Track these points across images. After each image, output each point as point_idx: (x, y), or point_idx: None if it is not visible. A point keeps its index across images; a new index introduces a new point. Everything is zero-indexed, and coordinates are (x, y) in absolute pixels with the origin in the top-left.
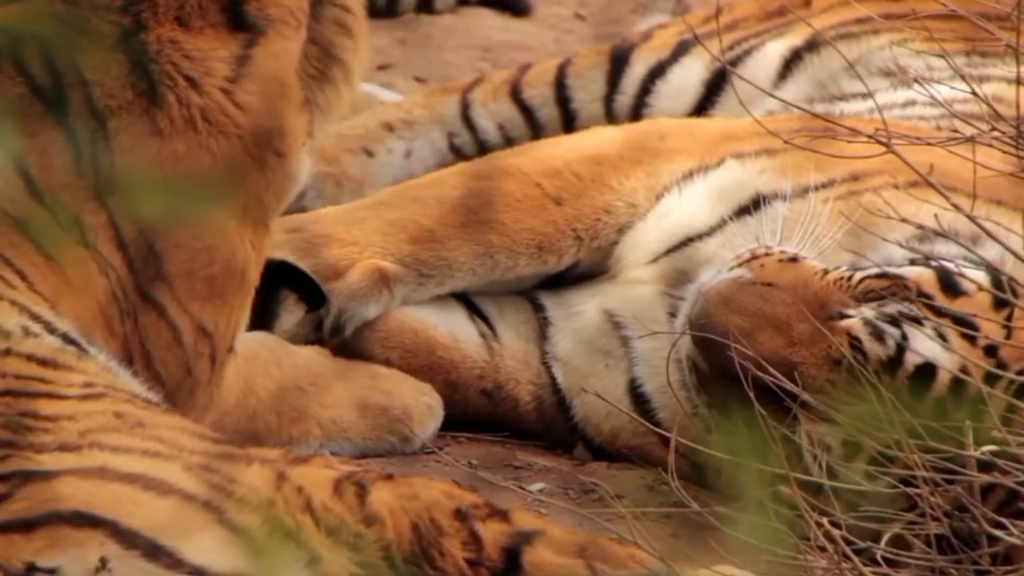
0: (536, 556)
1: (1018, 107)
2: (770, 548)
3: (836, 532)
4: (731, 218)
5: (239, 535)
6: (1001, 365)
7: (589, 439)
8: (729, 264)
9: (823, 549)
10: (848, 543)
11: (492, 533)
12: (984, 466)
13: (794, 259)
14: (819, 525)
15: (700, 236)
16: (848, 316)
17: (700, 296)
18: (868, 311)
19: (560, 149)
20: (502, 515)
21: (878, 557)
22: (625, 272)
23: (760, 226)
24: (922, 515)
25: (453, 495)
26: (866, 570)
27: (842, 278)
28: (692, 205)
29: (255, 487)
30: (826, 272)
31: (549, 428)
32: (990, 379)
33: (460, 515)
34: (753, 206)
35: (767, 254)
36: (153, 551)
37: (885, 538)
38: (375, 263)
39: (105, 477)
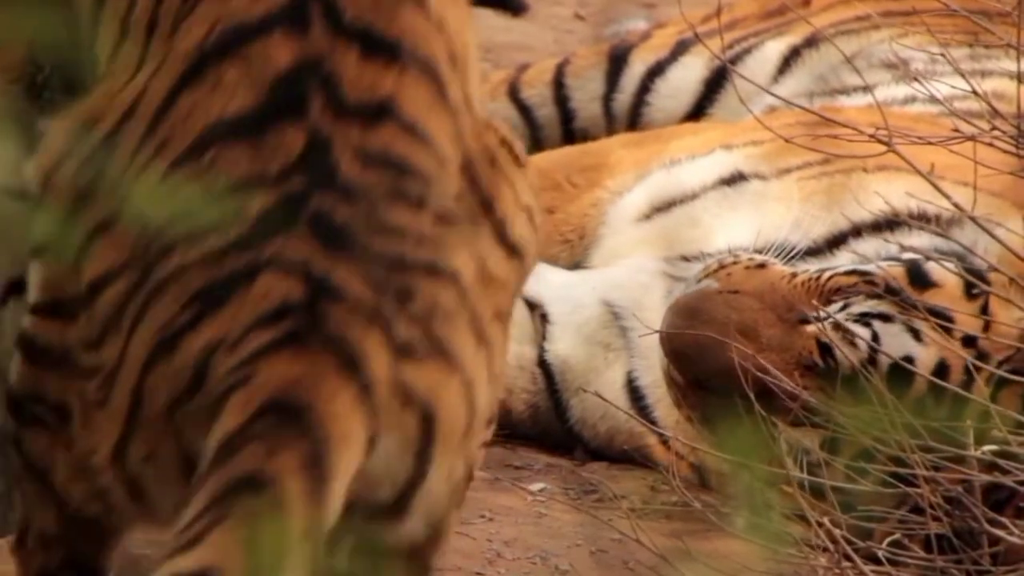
0: None
1: (1019, 105)
2: (772, 548)
3: (837, 532)
4: (713, 186)
5: None
6: (982, 355)
7: (586, 441)
8: (697, 276)
9: (824, 549)
10: (834, 542)
11: None
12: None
13: (762, 265)
14: (820, 524)
15: (684, 199)
16: (817, 319)
17: (669, 310)
18: (837, 313)
19: (565, 159)
20: None
21: (880, 556)
22: (615, 237)
23: (738, 198)
24: (912, 511)
25: None
26: (867, 569)
27: (810, 279)
28: (676, 176)
29: None
30: (794, 275)
31: (545, 432)
32: (971, 370)
33: None
34: (732, 180)
35: (734, 262)
36: None
37: (888, 539)
38: None
39: None
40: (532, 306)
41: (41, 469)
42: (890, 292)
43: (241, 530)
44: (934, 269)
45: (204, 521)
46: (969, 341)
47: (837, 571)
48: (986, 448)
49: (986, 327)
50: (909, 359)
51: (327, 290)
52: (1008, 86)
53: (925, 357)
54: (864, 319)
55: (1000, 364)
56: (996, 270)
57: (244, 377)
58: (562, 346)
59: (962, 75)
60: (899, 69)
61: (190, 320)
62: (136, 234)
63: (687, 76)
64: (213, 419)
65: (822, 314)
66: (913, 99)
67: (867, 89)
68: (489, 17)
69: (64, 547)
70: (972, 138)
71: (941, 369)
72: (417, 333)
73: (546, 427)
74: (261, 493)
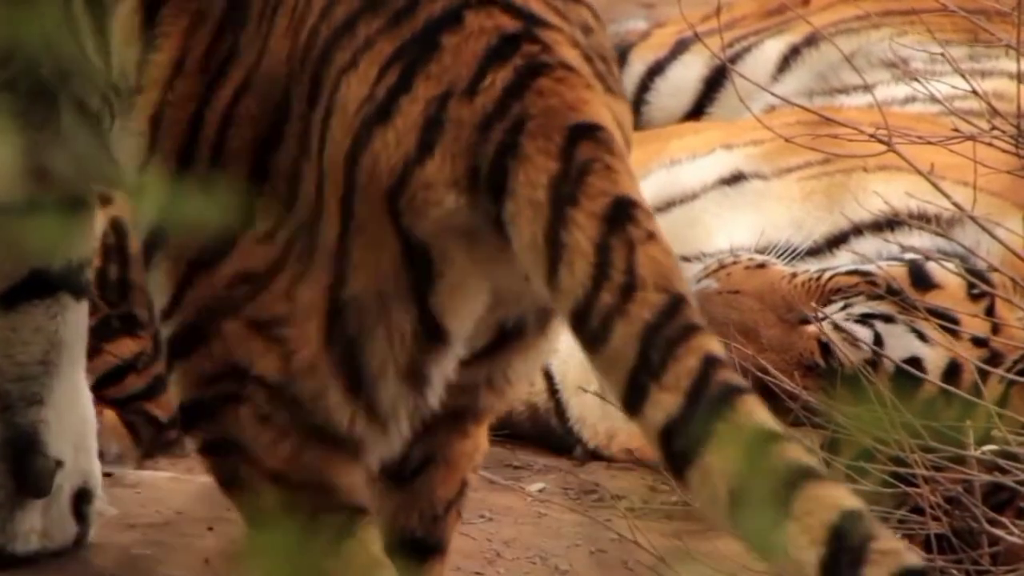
0: None
1: (1019, 105)
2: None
3: None
4: (713, 186)
5: None
6: (995, 356)
7: (585, 441)
8: (697, 276)
9: None
10: None
11: None
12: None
13: (762, 265)
14: None
15: (684, 199)
16: (818, 320)
17: None
18: (837, 313)
19: None
20: None
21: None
22: None
23: (738, 197)
24: (912, 511)
25: None
26: None
27: (810, 279)
28: (677, 175)
29: None
30: (794, 275)
31: (544, 432)
32: (983, 372)
33: None
34: (732, 180)
35: (734, 262)
36: None
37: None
38: None
39: None
40: None
41: (245, 444)
42: (891, 293)
43: (650, 247)
44: (936, 270)
45: (619, 256)
46: (980, 342)
47: None
48: (986, 448)
49: (995, 329)
50: (915, 360)
51: (534, 18)
52: (1008, 85)
53: (933, 358)
54: (866, 320)
55: (1014, 364)
56: (996, 270)
57: (519, 117)
58: (561, 346)
59: (962, 75)
60: (899, 68)
61: (398, 81)
62: (289, 48)
63: (687, 75)
64: (467, 172)
65: (822, 315)
66: (913, 99)
67: (867, 88)
68: None
69: (300, 497)
70: (972, 138)
71: (952, 370)
72: (604, 68)
73: (545, 427)
74: (633, 213)
